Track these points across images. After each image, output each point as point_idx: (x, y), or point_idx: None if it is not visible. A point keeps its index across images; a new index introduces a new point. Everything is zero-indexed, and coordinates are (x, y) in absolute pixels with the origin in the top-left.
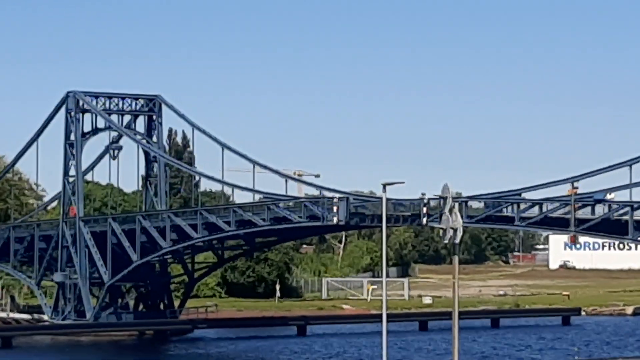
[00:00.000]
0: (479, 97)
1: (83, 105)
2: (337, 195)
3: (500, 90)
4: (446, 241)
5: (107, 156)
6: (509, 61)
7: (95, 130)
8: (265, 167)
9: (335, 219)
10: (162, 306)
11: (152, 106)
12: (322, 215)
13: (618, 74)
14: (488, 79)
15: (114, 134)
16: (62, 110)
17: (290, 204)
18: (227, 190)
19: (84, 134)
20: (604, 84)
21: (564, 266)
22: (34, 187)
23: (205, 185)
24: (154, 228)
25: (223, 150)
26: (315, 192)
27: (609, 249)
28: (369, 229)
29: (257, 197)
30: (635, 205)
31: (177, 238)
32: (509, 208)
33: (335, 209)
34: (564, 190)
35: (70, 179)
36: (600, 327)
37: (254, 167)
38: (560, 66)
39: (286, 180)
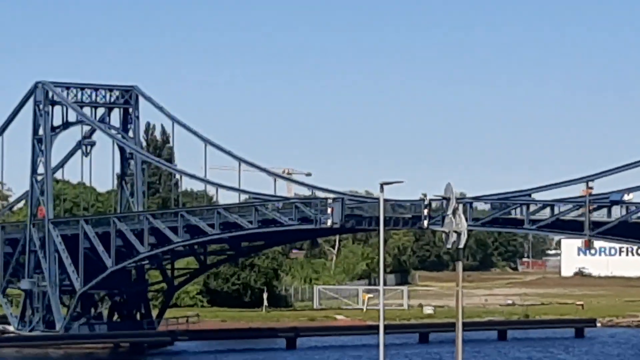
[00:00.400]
0: (485, 89)
1: (53, 96)
2: (331, 195)
3: (507, 81)
4: (449, 246)
5: (78, 152)
6: (517, 51)
7: (66, 124)
8: (252, 165)
9: (329, 222)
10: (138, 316)
11: (128, 98)
12: (315, 218)
13: (638, 64)
14: (494, 68)
15: (87, 128)
16: (30, 103)
17: (280, 205)
18: (210, 190)
19: (53, 129)
20: (621, 74)
21: (580, 273)
22: None
23: (186, 184)
24: (131, 231)
25: (206, 146)
26: (306, 192)
27: (627, 254)
28: (365, 233)
29: (243, 197)
30: None
31: (155, 242)
32: (518, 210)
33: (329, 210)
34: (577, 190)
35: (39, 178)
36: (617, 339)
37: (239, 164)
38: (573, 56)
39: (275, 179)
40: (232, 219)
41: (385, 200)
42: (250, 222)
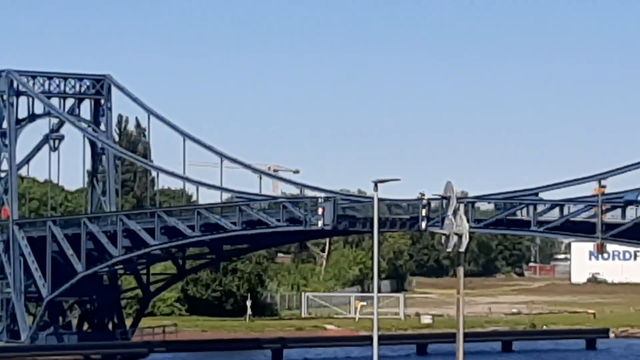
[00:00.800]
0: (488, 81)
1: (18, 86)
2: (322, 194)
3: (513, 73)
4: (449, 249)
5: (46, 147)
6: (523, 43)
7: (32, 117)
8: (235, 161)
9: (320, 223)
10: (110, 326)
11: (99, 88)
12: (305, 219)
13: None
14: (499, 60)
15: (55, 121)
16: None
17: (266, 204)
18: (190, 188)
19: (18, 121)
20: (636, 65)
21: (594, 280)
22: None
23: (162, 182)
24: (103, 233)
25: (185, 140)
26: (294, 190)
27: None
28: (358, 235)
29: (225, 196)
30: None
31: (130, 245)
32: (524, 210)
33: (320, 210)
34: (589, 189)
35: (2, 174)
36: (632, 351)
37: (221, 160)
38: (583, 47)
39: (260, 177)
40: (214, 219)
41: (381, 200)
42: (234, 224)
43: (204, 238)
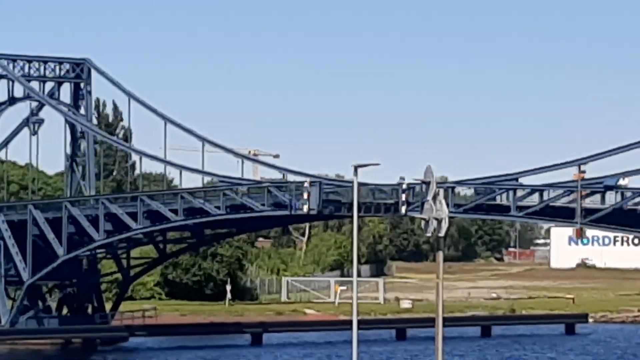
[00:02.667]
0: (467, 64)
1: None
2: (304, 179)
3: (494, 58)
4: (429, 234)
5: (25, 130)
6: (504, 27)
7: (12, 100)
8: (217, 146)
9: (305, 208)
10: (90, 309)
11: (79, 72)
12: (290, 203)
13: (634, 39)
14: (479, 45)
15: (34, 104)
16: None
17: (250, 189)
18: (169, 172)
19: None
20: (616, 49)
21: (583, 265)
22: None
23: (142, 166)
24: (85, 217)
25: (166, 124)
26: (274, 175)
27: (622, 244)
28: (338, 220)
29: (207, 181)
30: None
31: (112, 229)
32: (504, 195)
33: (305, 195)
34: (568, 175)
35: None
36: (611, 336)
37: (203, 145)
38: (563, 30)
39: (242, 162)
40: (197, 204)
41: (365, 185)
42: (218, 208)
43: (188, 222)
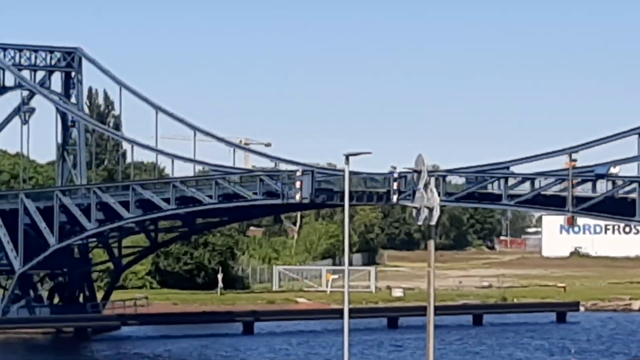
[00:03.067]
0: (458, 53)
1: None
2: (296, 167)
3: (483, 46)
4: (420, 223)
5: (16, 120)
6: (493, 15)
7: (3, 89)
8: (209, 135)
9: (298, 196)
10: (81, 299)
11: (70, 61)
12: (283, 192)
13: (624, 26)
14: (469, 34)
15: (25, 93)
16: None
17: (236, 178)
18: (161, 161)
19: None
20: (607, 37)
21: (576, 253)
22: None
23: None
24: (76, 206)
25: (157, 113)
26: (265, 163)
27: (613, 232)
28: (329, 208)
29: (198, 169)
30: None
31: (103, 218)
32: (495, 184)
33: (298, 184)
34: (560, 163)
35: None
36: (602, 324)
37: (194, 134)
38: (553, 19)
39: (234, 150)
40: (190, 193)
41: (357, 174)
42: (210, 197)
43: (180, 211)
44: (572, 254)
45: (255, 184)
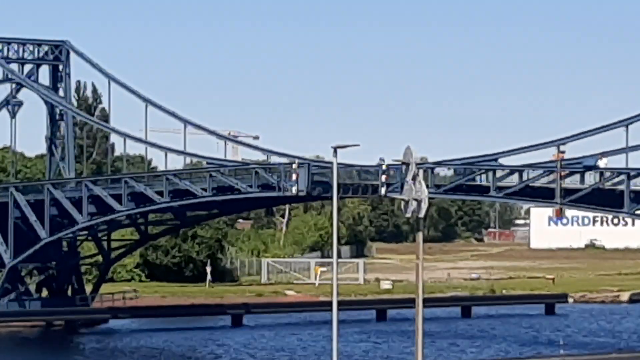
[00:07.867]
0: (448, 46)
1: None
2: (288, 160)
3: (471, 39)
4: (408, 215)
5: (4, 112)
6: (480, 9)
7: None
8: (199, 127)
9: (294, 189)
10: (70, 292)
11: (58, 54)
12: (278, 185)
13: (612, 17)
14: (458, 26)
15: (13, 86)
16: None
17: (227, 170)
18: (150, 154)
19: None
20: (594, 29)
21: (592, 245)
22: None
23: (121, 148)
24: (67, 199)
25: (147, 106)
26: (254, 156)
27: (601, 224)
28: (319, 201)
29: (187, 162)
30: (633, 173)
31: (95, 211)
32: (483, 176)
33: (294, 176)
34: (548, 155)
35: None
36: (591, 316)
37: (184, 126)
38: (543, 11)
39: (225, 143)
40: (183, 185)
41: (350, 166)
42: (204, 190)
43: (173, 204)
44: (587, 246)
45: (250, 176)
